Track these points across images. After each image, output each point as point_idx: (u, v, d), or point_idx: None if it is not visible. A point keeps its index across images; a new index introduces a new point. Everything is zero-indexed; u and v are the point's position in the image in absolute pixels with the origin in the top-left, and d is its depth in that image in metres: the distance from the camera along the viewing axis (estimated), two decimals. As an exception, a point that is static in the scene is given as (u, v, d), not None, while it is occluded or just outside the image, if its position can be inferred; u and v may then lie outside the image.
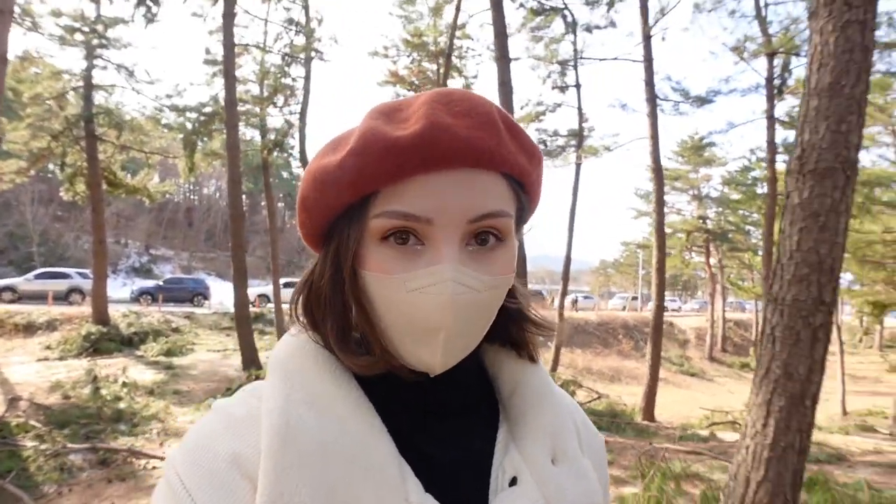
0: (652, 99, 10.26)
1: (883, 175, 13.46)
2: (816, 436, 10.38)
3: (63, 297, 19.95)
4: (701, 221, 27.43)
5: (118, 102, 15.57)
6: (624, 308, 36.09)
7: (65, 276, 21.50)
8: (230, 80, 9.03)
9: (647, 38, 10.12)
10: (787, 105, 12.45)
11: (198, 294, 23.93)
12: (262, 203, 14.54)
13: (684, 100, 12.07)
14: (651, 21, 10.21)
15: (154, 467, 5.46)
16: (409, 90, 17.16)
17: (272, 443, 0.44)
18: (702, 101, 12.49)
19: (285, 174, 50.23)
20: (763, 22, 11.36)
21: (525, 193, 0.52)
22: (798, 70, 11.69)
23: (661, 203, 11.37)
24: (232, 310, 13.02)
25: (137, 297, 22.35)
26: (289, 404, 0.46)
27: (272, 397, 0.47)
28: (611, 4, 12.16)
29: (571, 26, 13.53)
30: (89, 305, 15.91)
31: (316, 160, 0.50)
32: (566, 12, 13.46)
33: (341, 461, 0.44)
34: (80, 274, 21.83)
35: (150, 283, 25.57)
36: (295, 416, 0.45)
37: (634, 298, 40.38)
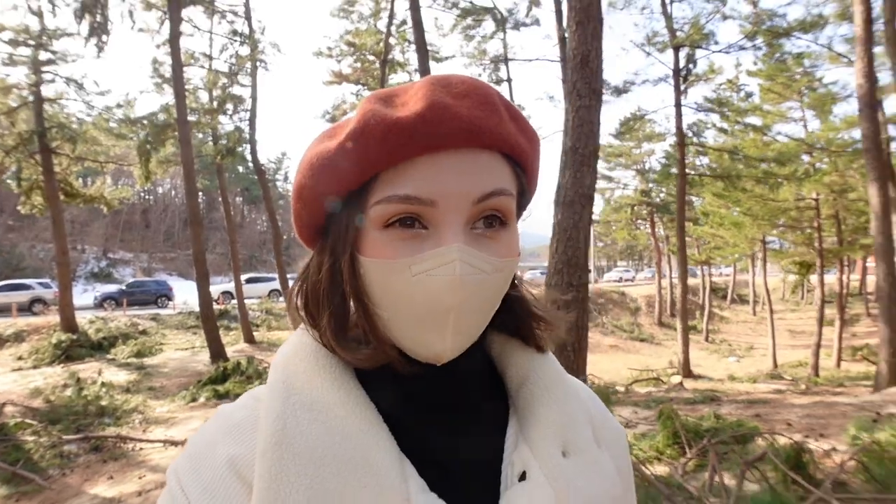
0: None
1: (785, 150, 15.02)
2: (724, 385, 11.90)
3: (27, 308, 20.38)
4: (643, 195, 29.05)
5: (69, 114, 15.98)
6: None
7: (26, 287, 21.86)
8: (181, 100, 9.84)
9: (561, 40, 11.32)
10: (699, 92, 13.90)
11: (161, 296, 24.50)
12: (220, 200, 15.04)
13: (604, 91, 13.35)
14: (565, 24, 11.41)
15: (141, 449, 6.49)
16: (354, 88, 18.08)
17: (268, 447, 0.44)
18: (619, 91, 13.85)
19: (241, 169, 50.31)
20: (669, 19, 12.71)
21: (525, 175, 0.51)
22: (702, 62, 13.10)
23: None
24: (196, 308, 13.89)
25: (101, 303, 22.84)
26: (286, 408, 0.46)
27: (271, 400, 0.47)
28: (532, 5, 13.28)
29: (501, 24, 14.61)
30: (54, 314, 16.51)
31: (312, 148, 0.49)
32: (496, 11, 14.53)
33: (339, 465, 0.44)
34: (40, 284, 22.24)
35: (112, 288, 26.00)
36: (292, 420, 0.45)
37: (591, 270, 42.29)
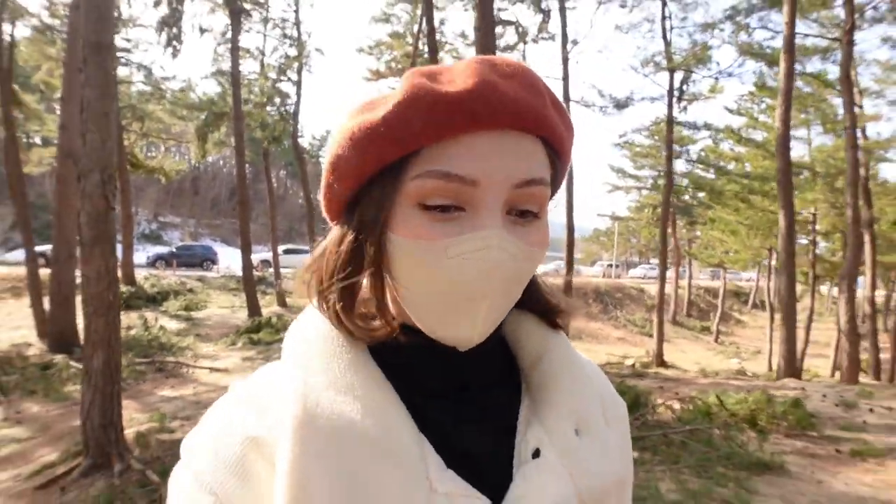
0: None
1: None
2: (683, 374, 13.51)
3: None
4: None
5: (140, 94, 18.58)
6: (604, 275, 39.35)
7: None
8: (237, 101, 12.05)
9: (565, 61, 13.00)
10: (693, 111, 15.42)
11: (207, 259, 27.31)
12: (265, 174, 17.15)
13: (607, 104, 15.06)
14: (569, 46, 13.09)
15: (193, 371, 8.82)
16: (392, 82, 20.10)
17: (291, 429, 0.44)
18: (620, 105, 15.44)
19: (286, 143, 53.08)
20: (668, 45, 14.23)
21: (560, 163, 0.51)
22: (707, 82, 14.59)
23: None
24: (238, 273, 16.24)
25: (153, 262, 25.76)
26: (307, 389, 0.46)
27: (291, 382, 0.47)
28: (546, 20, 14.95)
29: (522, 37, 16.38)
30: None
31: (350, 119, 0.48)
32: (518, 24, 16.31)
33: (361, 444, 0.44)
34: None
35: (163, 250, 29.00)
36: (313, 401, 0.45)
37: (617, 266, 43.63)
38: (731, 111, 21.34)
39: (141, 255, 29.16)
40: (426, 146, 0.44)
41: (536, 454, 0.50)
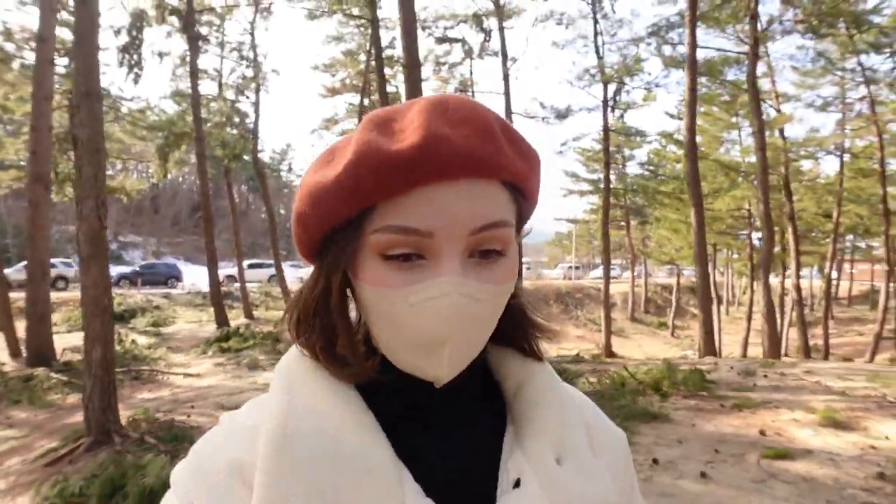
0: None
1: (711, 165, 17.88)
2: (627, 361, 14.73)
3: (51, 285, 23.56)
4: (616, 199, 31.76)
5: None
6: (564, 277, 40.86)
7: (50, 265, 25.03)
8: (198, 122, 12.79)
9: (506, 77, 14.16)
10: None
11: (171, 277, 27.64)
12: (226, 189, 17.60)
13: (549, 115, 16.34)
14: (509, 63, 14.28)
15: (168, 377, 9.55)
16: (347, 98, 21.06)
17: (267, 450, 0.45)
18: (561, 116, 16.72)
19: (247, 157, 53.36)
20: (600, 58, 15.58)
21: (524, 200, 0.52)
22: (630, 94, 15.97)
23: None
24: (203, 289, 16.82)
25: (118, 282, 25.93)
26: (287, 413, 0.48)
27: (273, 405, 0.49)
28: (487, 39, 16.13)
29: (468, 54, 17.53)
30: (75, 290, 19.59)
31: (310, 174, 0.50)
32: (465, 42, 17.45)
33: (336, 468, 0.45)
34: (63, 263, 25.44)
35: (127, 269, 29.16)
36: (293, 425, 0.47)
37: (577, 268, 45.21)
38: (671, 116, 22.97)
39: (102, 275, 29.44)
40: (380, 202, 0.46)
41: (517, 484, 0.50)
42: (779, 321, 22.27)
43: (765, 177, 11.65)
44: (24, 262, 25.13)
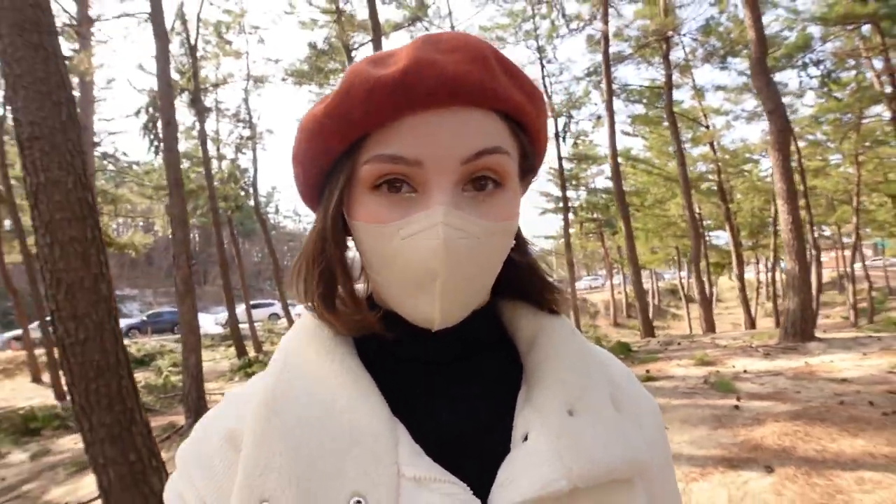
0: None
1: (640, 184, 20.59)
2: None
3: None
4: (589, 213, 34.48)
5: (109, 179, 21.50)
6: (575, 292, 43.32)
7: (64, 322, 27.13)
8: (209, 180, 15.27)
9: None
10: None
11: (176, 324, 29.73)
12: (215, 234, 19.48)
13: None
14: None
15: (211, 398, 11.81)
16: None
17: (256, 415, 0.46)
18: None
19: (247, 205, 56.08)
20: (549, 96, 18.32)
21: (526, 134, 0.50)
22: (576, 124, 18.74)
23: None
24: (208, 331, 18.99)
25: (127, 332, 28.06)
26: (280, 378, 0.49)
27: (268, 373, 0.51)
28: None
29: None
30: None
31: (306, 112, 0.50)
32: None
33: (325, 431, 0.45)
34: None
35: (134, 320, 31.26)
36: (283, 389, 0.47)
37: (560, 282, 47.73)
38: (627, 134, 25.73)
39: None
40: (371, 132, 0.45)
41: (526, 438, 0.48)
42: (753, 310, 24.94)
43: (686, 186, 14.33)
44: (37, 322, 27.31)
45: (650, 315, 34.01)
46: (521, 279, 0.57)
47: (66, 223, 2.82)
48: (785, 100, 18.43)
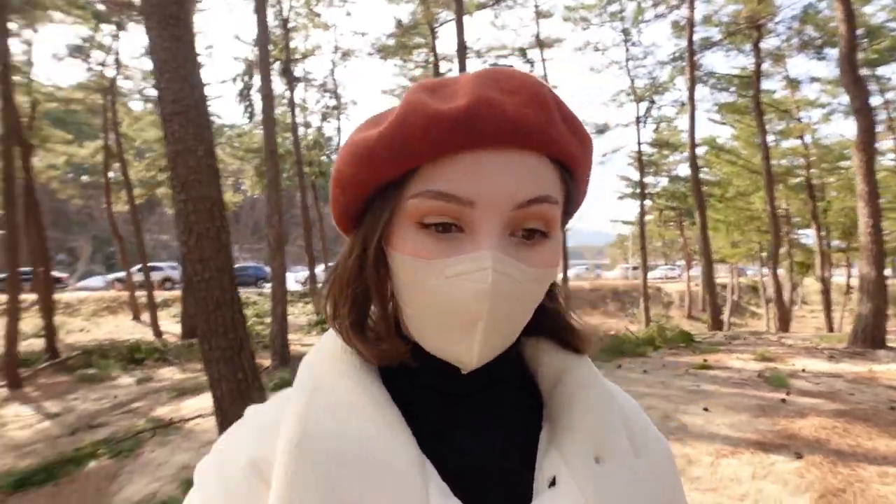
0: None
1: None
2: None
3: (160, 285, 27.95)
4: (668, 201, 33.54)
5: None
6: (626, 277, 42.91)
7: (160, 269, 29.56)
8: (297, 146, 16.26)
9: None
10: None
11: (260, 278, 31.71)
12: (299, 197, 20.81)
13: (591, 131, 18.84)
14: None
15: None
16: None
17: (286, 450, 0.45)
18: (601, 131, 19.21)
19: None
20: (632, 80, 18.08)
21: (573, 181, 0.50)
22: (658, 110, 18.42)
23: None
24: (288, 288, 20.46)
25: (215, 283, 30.24)
26: (308, 410, 0.48)
27: (294, 402, 0.49)
28: (531, 70, 18.82)
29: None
30: (178, 289, 23.63)
31: (354, 134, 0.50)
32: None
33: (357, 467, 0.45)
34: (170, 266, 29.94)
35: (221, 272, 33.66)
36: (313, 423, 0.47)
37: (636, 268, 46.93)
38: (714, 122, 24.85)
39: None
40: (423, 164, 0.45)
41: (553, 483, 0.49)
42: (839, 315, 23.86)
43: (769, 180, 13.90)
44: (138, 266, 29.84)
45: (728, 311, 33.27)
46: (548, 321, 0.57)
47: (197, 184, 3.47)
48: (890, 95, 17.37)
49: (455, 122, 0.43)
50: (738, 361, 7.66)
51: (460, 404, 0.53)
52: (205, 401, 7.52)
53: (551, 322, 0.57)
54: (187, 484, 3.94)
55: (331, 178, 0.52)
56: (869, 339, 8.17)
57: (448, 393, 0.53)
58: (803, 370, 6.94)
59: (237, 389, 3.46)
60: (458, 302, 0.44)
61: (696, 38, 13.65)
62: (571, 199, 0.52)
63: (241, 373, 3.49)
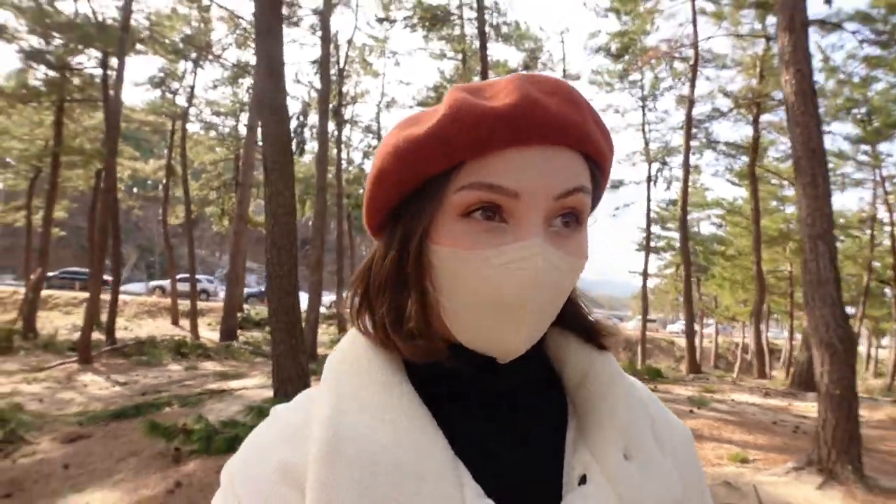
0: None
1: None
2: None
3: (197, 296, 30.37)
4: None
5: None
6: (645, 329, 44.09)
7: (198, 280, 32.06)
8: (339, 180, 18.54)
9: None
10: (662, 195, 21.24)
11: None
12: (332, 225, 22.96)
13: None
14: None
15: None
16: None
17: (319, 455, 0.45)
18: (614, 186, 21.16)
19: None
20: (646, 143, 20.06)
21: (601, 175, 0.53)
22: (670, 170, 20.33)
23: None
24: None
25: (246, 300, 32.52)
26: (338, 413, 0.48)
27: (322, 406, 0.49)
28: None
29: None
30: (216, 301, 25.86)
31: (395, 134, 0.51)
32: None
33: (391, 472, 0.45)
34: (207, 279, 32.46)
35: (254, 290, 36.03)
36: (344, 426, 0.47)
37: (653, 321, 47.98)
38: (733, 183, 26.51)
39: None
40: (469, 160, 0.47)
41: (583, 480, 0.50)
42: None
43: (758, 243, 15.64)
44: (179, 276, 32.21)
45: (737, 368, 34.18)
46: (570, 315, 0.58)
47: (282, 215, 5.53)
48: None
49: (505, 118, 0.45)
50: (682, 390, 9.34)
51: (488, 403, 0.54)
52: (247, 383, 9.49)
53: (573, 317, 0.59)
54: (248, 410, 5.86)
55: (368, 178, 0.54)
56: (804, 382, 9.79)
57: (476, 392, 0.54)
58: (732, 399, 8.60)
59: (291, 350, 5.47)
60: (507, 289, 0.46)
61: (705, 109, 15.40)
62: (596, 195, 0.55)
63: (294, 340, 5.48)
